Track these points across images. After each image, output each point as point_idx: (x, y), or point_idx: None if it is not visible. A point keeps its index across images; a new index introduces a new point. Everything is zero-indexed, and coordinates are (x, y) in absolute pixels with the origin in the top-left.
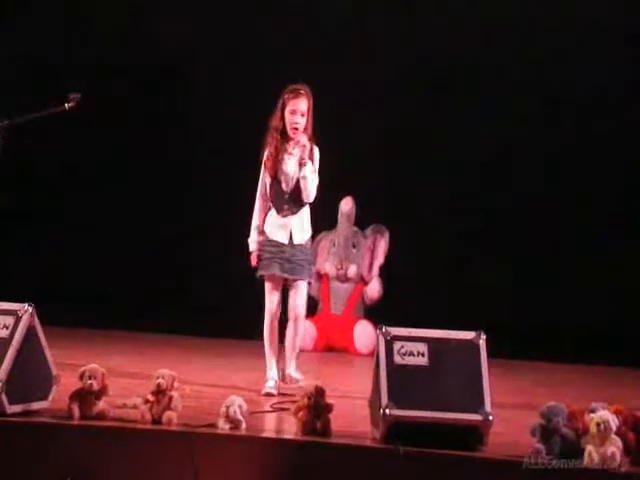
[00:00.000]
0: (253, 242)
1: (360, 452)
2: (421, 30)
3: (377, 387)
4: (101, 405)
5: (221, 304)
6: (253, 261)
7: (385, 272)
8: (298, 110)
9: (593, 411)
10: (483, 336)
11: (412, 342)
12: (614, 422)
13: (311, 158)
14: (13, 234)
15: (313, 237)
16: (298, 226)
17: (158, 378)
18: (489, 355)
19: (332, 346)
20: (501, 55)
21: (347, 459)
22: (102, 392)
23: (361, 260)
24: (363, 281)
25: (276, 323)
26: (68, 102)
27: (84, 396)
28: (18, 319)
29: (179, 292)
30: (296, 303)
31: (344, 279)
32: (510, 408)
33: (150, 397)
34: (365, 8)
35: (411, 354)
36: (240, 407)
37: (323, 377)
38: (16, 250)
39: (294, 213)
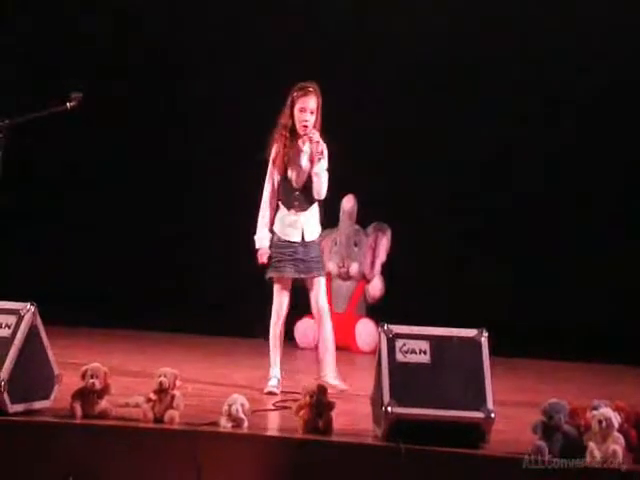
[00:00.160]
0: (261, 239)
1: (362, 450)
2: (421, 30)
3: (379, 385)
4: (103, 404)
5: (223, 302)
6: (261, 258)
7: (387, 270)
8: (307, 108)
9: (595, 408)
10: (485, 333)
11: (414, 340)
12: (616, 419)
13: (322, 155)
14: (13, 234)
15: None
16: (309, 223)
17: (160, 377)
18: (491, 353)
19: (334, 344)
20: (501, 55)
21: (349, 457)
22: (104, 391)
23: (363, 258)
24: (365, 279)
25: (282, 323)
26: (70, 101)
27: (86, 395)
28: (20, 318)
29: (180, 291)
30: (319, 304)
31: (346, 277)
32: (512, 405)
33: (152, 396)
34: (365, 8)
35: (413, 352)
36: (242, 405)
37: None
38: (16, 250)
39: (305, 210)
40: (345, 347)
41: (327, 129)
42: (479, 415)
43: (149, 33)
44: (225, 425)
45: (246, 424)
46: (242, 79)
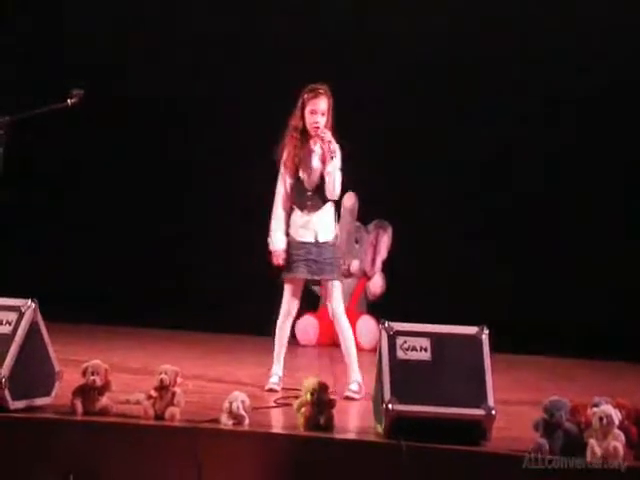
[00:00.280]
0: (275, 241)
1: (363, 447)
2: (421, 30)
3: (380, 382)
4: (104, 401)
5: (223, 300)
6: (276, 260)
7: (388, 267)
8: (318, 110)
9: (596, 405)
10: (486, 331)
11: (415, 337)
12: (617, 416)
13: (335, 155)
14: (13, 232)
15: None
16: (322, 224)
17: (161, 374)
18: (491, 350)
19: (335, 341)
20: (501, 55)
21: (350, 454)
22: (105, 388)
23: (364, 255)
24: (366, 276)
25: (289, 323)
26: (71, 98)
27: (87, 392)
28: (21, 315)
29: (180, 288)
30: (332, 307)
31: (347, 274)
32: (513, 403)
33: (153, 393)
34: (365, 8)
35: (414, 349)
36: (243, 403)
37: (326, 372)
38: (16, 248)
39: (317, 210)
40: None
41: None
42: (480, 412)
43: (149, 33)
44: (226, 422)
45: (247, 421)
46: (242, 79)
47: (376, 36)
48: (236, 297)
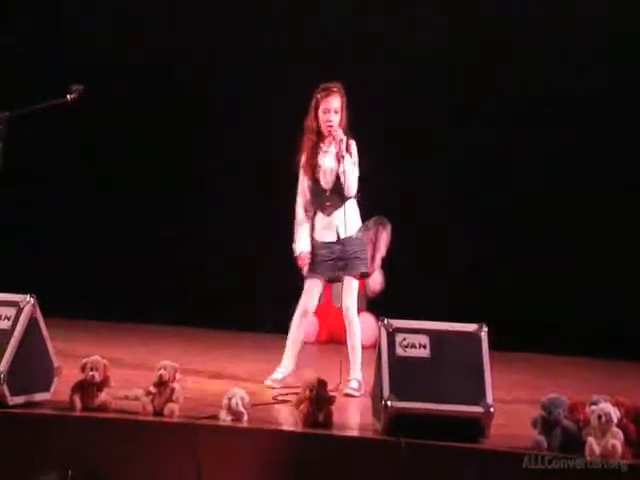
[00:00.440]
0: (299, 245)
1: (362, 444)
2: (421, 30)
3: (379, 379)
4: (103, 397)
5: (223, 297)
6: (302, 263)
7: (387, 264)
8: (331, 108)
9: (594, 403)
10: (485, 328)
11: (414, 334)
12: (615, 414)
13: (349, 151)
14: (13, 231)
15: None
16: (343, 221)
17: (160, 370)
18: (491, 348)
19: (334, 338)
20: (501, 55)
21: (349, 451)
22: (104, 384)
23: None
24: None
25: (305, 321)
26: (70, 93)
27: (86, 388)
28: (20, 310)
29: (180, 285)
30: (346, 304)
31: None
32: (512, 400)
33: (152, 389)
34: (365, 8)
35: (413, 346)
36: (242, 399)
37: (325, 369)
38: (16, 246)
39: (337, 208)
40: (345, 341)
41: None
42: (478, 409)
43: (149, 33)
44: (225, 418)
45: (246, 417)
46: (242, 79)
47: (376, 36)
48: (235, 294)
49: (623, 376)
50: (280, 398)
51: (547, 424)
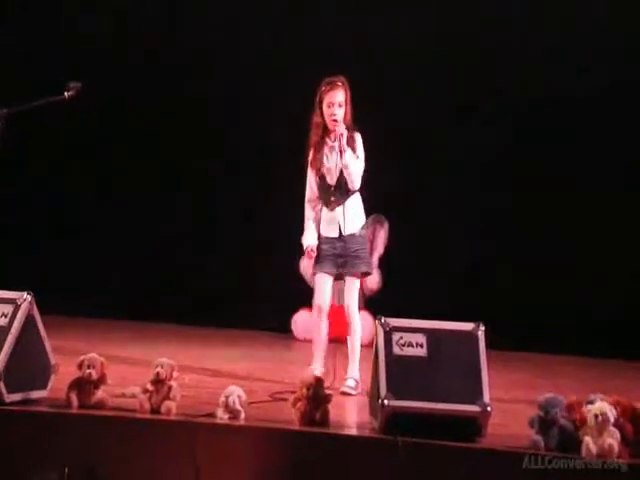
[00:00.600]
0: (306, 239)
1: (359, 443)
2: (421, 30)
3: (376, 378)
4: (100, 394)
5: (221, 295)
6: (309, 255)
7: (385, 263)
8: (335, 102)
9: (591, 402)
10: (482, 327)
11: (411, 333)
12: (612, 413)
13: (352, 145)
14: (13, 234)
15: None
16: (347, 217)
17: (157, 367)
18: (488, 347)
19: (331, 337)
20: (501, 55)
21: (346, 450)
22: (101, 381)
23: None
24: None
25: (323, 318)
26: (68, 91)
27: (83, 385)
28: (17, 307)
29: (178, 283)
30: (347, 303)
31: None
32: (509, 400)
33: (149, 386)
34: (365, 8)
35: (410, 345)
36: (239, 397)
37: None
38: (15, 245)
39: (341, 204)
40: (342, 340)
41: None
42: (475, 409)
43: (149, 33)
44: (222, 416)
45: (243, 416)
46: (242, 79)
47: (376, 36)
48: (233, 292)
49: (621, 375)
50: (277, 396)
51: (544, 423)
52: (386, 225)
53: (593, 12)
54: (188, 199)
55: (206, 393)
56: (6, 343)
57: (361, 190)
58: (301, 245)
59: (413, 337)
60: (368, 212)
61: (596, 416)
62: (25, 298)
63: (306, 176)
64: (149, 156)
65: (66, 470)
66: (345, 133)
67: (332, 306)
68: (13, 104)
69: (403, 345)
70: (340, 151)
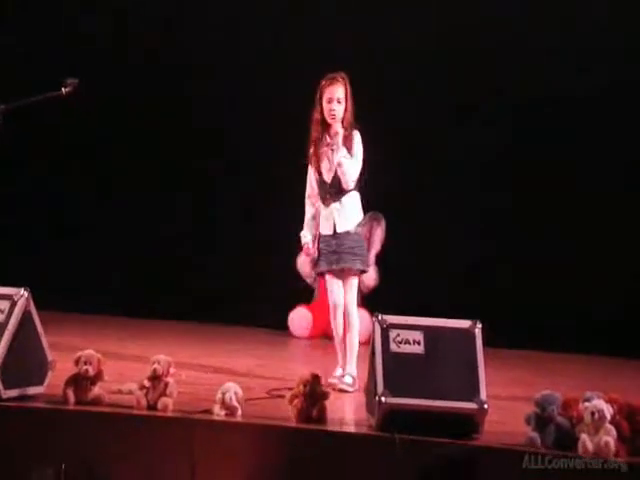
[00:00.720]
0: (304, 235)
1: (355, 440)
2: (421, 30)
3: (373, 375)
4: (96, 391)
5: (219, 291)
6: (306, 252)
7: (388, 264)
8: (334, 97)
9: (587, 400)
10: (479, 325)
11: (408, 330)
12: (608, 411)
13: (348, 144)
14: (13, 234)
15: None
16: (341, 214)
17: (154, 364)
18: (485, 344)
19: (328, 334)
20: (501, 55)
21: (342, 447)
22: (97, 377)
23: None
24: None
25: (338, 315)
26: (65, 87)
27: (79, 381)
28: (14, 304)
29: (176, 279)
30: (346, 300)
31: None
32: (506, 397)
33: (146, 383)
34: (365, 8)
35: (407, 342)
36: (236, 394)
37: (319, 365)
38: (13, 241)
39: (336, 202)
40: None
41: None
42: (472, 406)
43: (149, 33)
44: (219, 413)
45: (239, 412)
46: (242, 79)
47: (376, 36)
48: (233, 291)
49: (619, 373)
50: (274, 393)
51: (541, 421)
52: (383, 222)
53: (593, 12)
54: (188, 199)
55: (203, 390)
56: (3, 339)
57: (361, 189)
58: (299, 242)
59: (410, 334)
60: (368, 211)
61: (592, 413)
62: (22, 294)
63: (307, 172)
64: (149, 156)
65: (63, 466)
66: (341, 132)
67: (327, 304)
68: (10, 100)
69: (400, 342)
70: (332, 149)
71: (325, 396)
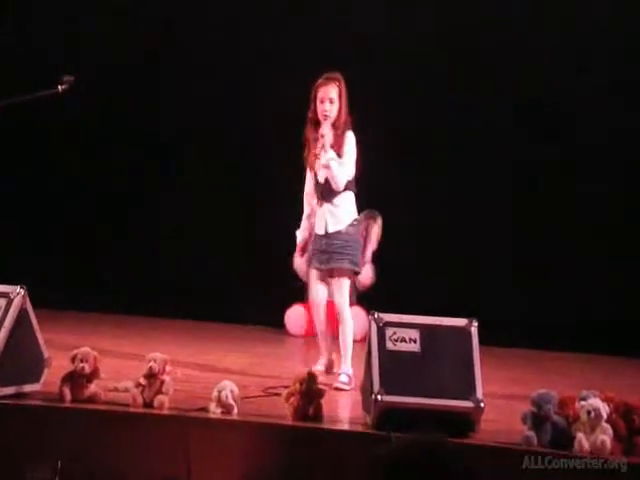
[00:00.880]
0: (298, 234)
1: (351, 438)
2: (421, 30)
3: (369, 373)
4: (92, 388)
5: (215, 288)
6: (297, 252)
7: (388, 263)
8: (327, 97)
9: (583, 399)
10: (475, 323)
11: (404, 328)
12: (604, 410)
13: (338, 144)
14: (13, 234)
15: None
16: (332, 215)
17: (150, 361)
18: (482, 343)
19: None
20: (501, 55)
21: (338, 444)
22: (94, 375)
23: None
24: None
25: (320, 312)
26: (61, 84)
27: (75, 379)
28: (10, 301)
29: (172, 277)
30: (336, 300)
31: None
32: (503, 396)
33: (142, 380)
34: (365, 8)
35: (403, 340)
36: (232, 392)
37: (315, 363)
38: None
39: (328, 202)
40: (335, 335)
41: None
42: (468, 404)
43: (149, 33)
44: (214, 411)
45: (236, 410)
46: (242, 79)
47: (376, 36)
48: (227, 286)
49: (616, 373)
50: (270, 391)
51: (537, 419)
52: (379, 220)
53: (593, 12)
54: (188, 199)
55: (199, 387)
56: None
57: (356, 189)
58: (296, 240)
59: (406, 332)
60: (363, 207)
61: (589, 412)
62: (18, 292)
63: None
64: (149, 156)
65: (59, 464)
66: (329, 133)
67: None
68: (4, 97)
69: (396, 340)
70: (321, 150)
71: (321, 394)
